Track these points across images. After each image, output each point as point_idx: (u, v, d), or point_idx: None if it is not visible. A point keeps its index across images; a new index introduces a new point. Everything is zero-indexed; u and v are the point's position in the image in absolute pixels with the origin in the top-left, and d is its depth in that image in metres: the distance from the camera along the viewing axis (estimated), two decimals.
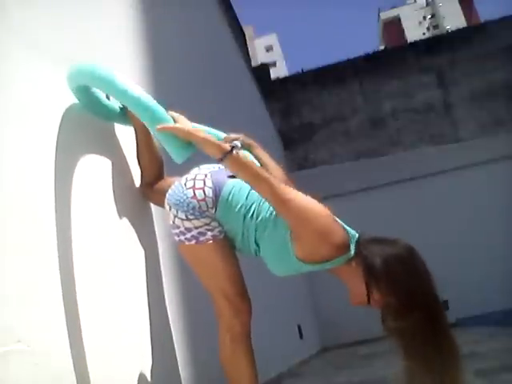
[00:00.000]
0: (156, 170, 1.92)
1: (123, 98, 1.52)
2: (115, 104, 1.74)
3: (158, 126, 1.44)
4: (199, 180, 1.62)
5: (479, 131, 8.59)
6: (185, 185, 1.61)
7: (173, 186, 1.66)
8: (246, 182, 1.47)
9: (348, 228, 1.48)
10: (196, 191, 1.58)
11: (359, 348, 5.77)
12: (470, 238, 7.03)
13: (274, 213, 1.50)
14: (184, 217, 1.58)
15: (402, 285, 1.35)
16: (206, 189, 1.59)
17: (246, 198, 1.58)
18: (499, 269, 6.61)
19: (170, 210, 1.62)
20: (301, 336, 5.54)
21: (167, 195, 1.66)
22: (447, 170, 7.36)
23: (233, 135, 1.92)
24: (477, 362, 3.01)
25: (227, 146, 1.41)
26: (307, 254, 1.43)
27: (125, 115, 1.77)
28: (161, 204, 1.88)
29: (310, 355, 5.73)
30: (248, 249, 1.62)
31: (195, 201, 1.58)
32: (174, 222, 1.61)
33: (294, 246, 1.44)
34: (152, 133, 1.53)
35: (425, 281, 1.38)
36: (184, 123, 1.50)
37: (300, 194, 1.46)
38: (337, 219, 1.48)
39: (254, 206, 1.56)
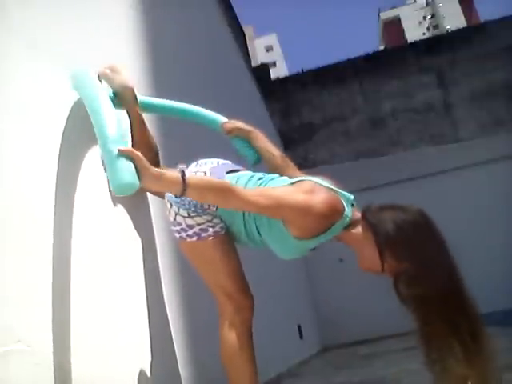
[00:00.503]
0: (151, 159, 1.87)
1: (88, 102, 1.43)
2: (108, 89, 1.73)
3: (121, 148, 1.23)
4: None
5: (479, 131, 8.59)
6: None
7: None
8: (214, 202, 1.45)
9: (342, 192, 1.48)
10: None
11: (359, 348, 5.77)
12: (470, 238, 7.03)
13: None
14: (186, 214, 1.58)
15: (418, 250, 1.33)
16: None
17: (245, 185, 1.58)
18: (499, 269, 6.61)
19: (170, 207, 1.62)
20: (301, 336, 5.54)
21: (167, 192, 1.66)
22: (447, 170, 7.36)
23: (233, 121, 1.93)
24: None
25: (178, 174, 1.28)
26: (301, 231, 1.44)
27: (116, 101, 1.75)
28: (158, 195, 1.91)
29: (310, 355, 5.73)
30: (253, 240, 1.63)
31: None
32: (175, 219, 1.61)
33: (287, 229, 1.46)
34: (101, 151, 1.31)
35: (441, 245, 1.36)
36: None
37: (265, 188, 1.48)
38: (323, 184, 1.47)
39: None
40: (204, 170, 1.65)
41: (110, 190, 1.68)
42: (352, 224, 1.45)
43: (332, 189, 1.48)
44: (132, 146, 1.85)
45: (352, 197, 1.51)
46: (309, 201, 1.40)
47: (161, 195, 1.93)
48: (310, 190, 1.43)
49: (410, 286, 1.33)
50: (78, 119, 1.58)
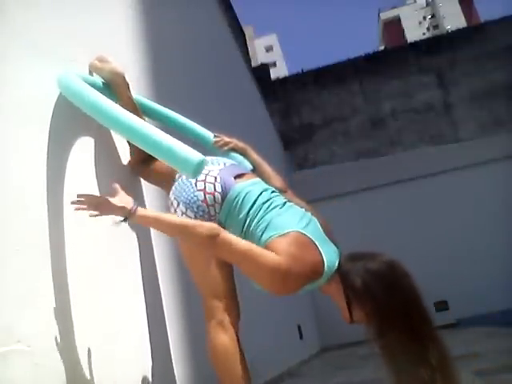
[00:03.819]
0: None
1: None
2: (98, 79, 1.73)
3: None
4: (210, 183, 1.60)
5: (479, 131, 8.60)
6: (195, 185, 1.60)
7: (180, 181, 1.65)
8: (163, 232, 1.46)
9: (328, 254, 1.44)
10: (207, 196, 1.58)
11: (359, 348, 5.76)
12: (470, 239, 7.03)
13: (265, 235, 1.47)
14: (193, 216, 1.58)
15: (381, 302, 1.34)
16: (216, 194, 1.59)
17: (250, 208, 1.56)
18: (499, 269, 6.61)
19: (177, 205, 1.61)
20: (301, 336, 5.54)
21: (173, 189, 1.65)
22: (447, 170, 7.36)
23: (226, 138, 1.92)
24: (477, 362, 3.01)
25: (127, 206, 1.35)
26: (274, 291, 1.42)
27: (108, 90, 1.74)
28: (157, 184, 1.94)
29: (310, 355, 5.73)
30: None
31: (205, 205, 1.58)
32: None
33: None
34: (158, 148, 1.40)
35: (406, 296, 1.35)
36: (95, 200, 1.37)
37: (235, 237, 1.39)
38: (312, 238, 1.43)
39: (254, 222, 1.53)
40: (214, 174, 1.63)
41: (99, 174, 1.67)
42: (332, 277, 1.44)
43: (316, 244, 1.43)
44: None
45: (336, 262, 1.46)
46: (285, 277, 1.35)
47: (157, 184, 1.94)
48: (294, 256, 1.37)
49: (375, 336, 1.35)
50: (77, 121, 1.59)
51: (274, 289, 1.40)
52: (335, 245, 1.53)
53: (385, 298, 1.34)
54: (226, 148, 1.89)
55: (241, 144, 1.90)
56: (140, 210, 1.37)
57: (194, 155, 1.32)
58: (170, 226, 1.39)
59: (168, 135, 1.38)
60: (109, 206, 1.35)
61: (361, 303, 1.37)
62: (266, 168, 1.85)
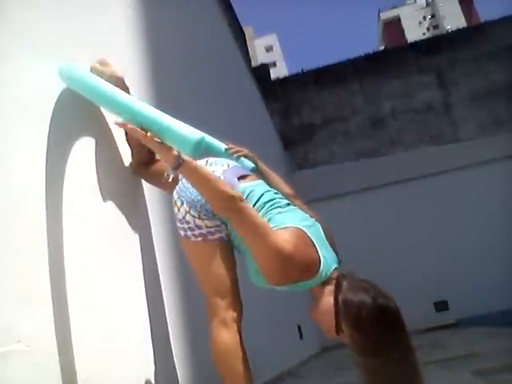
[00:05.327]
0: (148, 152, 1.82)
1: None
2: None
3: (129, 126, 1.39)
4: None
5: (479, 131, 8.61)
6: None
7: (184, 181, 1.65)
8: (197, 186, 1.47)
9: (325, 257, 1.45)
10: None
11: None
12: (470, 239, 7.03)
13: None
14: (196, 215, 1.60)
15: (370, 328, 1.31)
16: None
17: (252, 207, 1.55)
18: (499, 269, 6.61)
19: (181, 204, 1.63)
20: (301, 336, 5.54)
21: (177, 189, 1.67)
22: (447, 170, 7.36)
23: (237, 147, 1.93)
24: (477, 362, 3.01)
25: (176, 153, 1.36)
26: (267, 276, 1.43)
27: None
28: (158, 185, 1.94)
29: (310, 355, 5.73)
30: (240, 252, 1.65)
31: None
32: (184, 217, 1.62)
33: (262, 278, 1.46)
34: (158, 127, 1.43)
35: (399, 327, 1.33)
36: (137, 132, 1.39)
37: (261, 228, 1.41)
38: (312, 240, 1.45)
39: None
40: (218, 174, 1.65)
41: (105, 175, 1.67)
42: (327, 281, 1.44)
43: (317, 248, 1.45)
44: (126, 138, 1.86)
45: (333, 266, 1.47)
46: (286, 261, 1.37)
47: (158, 185, 1.94)
48: (295, 244, 1.39)
49: (356, 354, 1.34)
50: (78, 121, 1.59)
51: (272, 273, 1.41)
52: (336, 253, 1.54)
53: (374, 327, 1.31)
54: (238, 154, 1.90)
55: (251, 153, 1.93)
56: (186, 158, 1.38)
57: (194, 133, 1.35)
58: (207, 175, 1.41)
59: (168, 116, 1.40)
60: (164, 148, 1.37)
61: (348, 319, 1.35)
62: (275, 176, 1.88)
